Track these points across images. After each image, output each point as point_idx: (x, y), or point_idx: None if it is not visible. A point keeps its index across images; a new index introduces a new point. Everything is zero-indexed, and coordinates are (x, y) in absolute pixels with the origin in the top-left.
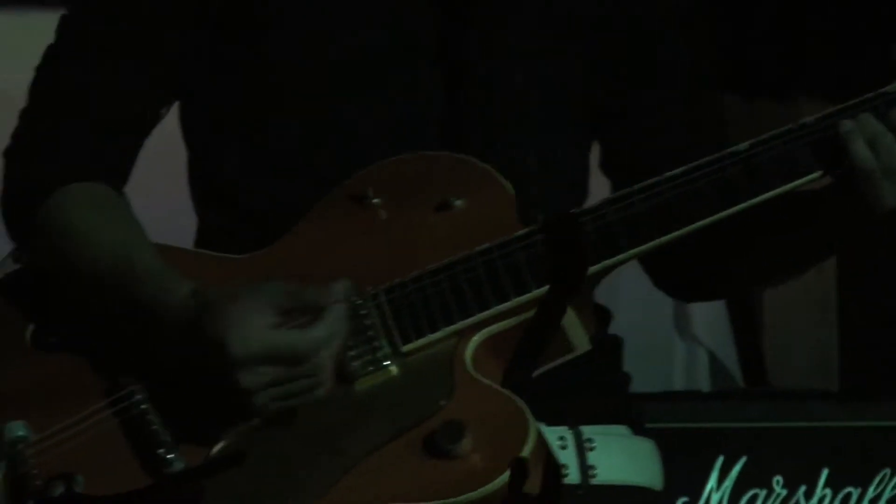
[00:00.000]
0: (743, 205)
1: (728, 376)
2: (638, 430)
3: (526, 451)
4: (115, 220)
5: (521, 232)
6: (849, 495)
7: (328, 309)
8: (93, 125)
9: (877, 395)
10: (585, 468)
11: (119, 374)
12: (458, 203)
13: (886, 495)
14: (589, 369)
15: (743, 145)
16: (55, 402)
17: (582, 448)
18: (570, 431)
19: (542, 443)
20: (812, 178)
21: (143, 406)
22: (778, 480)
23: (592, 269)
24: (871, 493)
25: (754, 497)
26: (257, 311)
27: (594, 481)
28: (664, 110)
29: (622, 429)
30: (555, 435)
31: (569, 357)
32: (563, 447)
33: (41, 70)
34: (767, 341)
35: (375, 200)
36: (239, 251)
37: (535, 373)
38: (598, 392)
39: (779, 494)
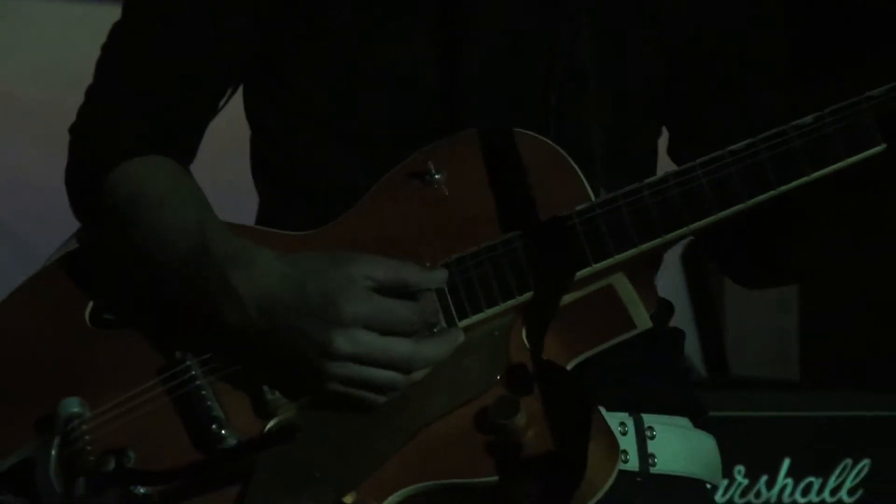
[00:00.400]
0: (806, 178)
1: (689, 366)
2: (698, 423)
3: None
4: (184, 190)
5: (582, 206)
6: (810, 485)
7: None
8: (159, 100)
9: (837, 385)
10: (646, 456)
11: (175, 349)
12: (525, 178)
13: (847, 485)
14: (652, 358)
15: (808, 118)
16: (111, 380)
17: (643, 435)
18: (631, 418)
19: (601, 423)
20: (877, 151)
21: (197, 382)
22: (739, 470)
23: (653, 242)
24: (832, 482)
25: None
26: (362, 276)
27: (654, 470)
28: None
29: (683, 420)
30: (616, 420)
31: (630, 334)
32: (624, 433)
33: (108, 46)
34: (728, 331)
35: (437, 176)
36: (299, 229)
37: (597, 349)
38: (662, 382)
39: (740, 484)
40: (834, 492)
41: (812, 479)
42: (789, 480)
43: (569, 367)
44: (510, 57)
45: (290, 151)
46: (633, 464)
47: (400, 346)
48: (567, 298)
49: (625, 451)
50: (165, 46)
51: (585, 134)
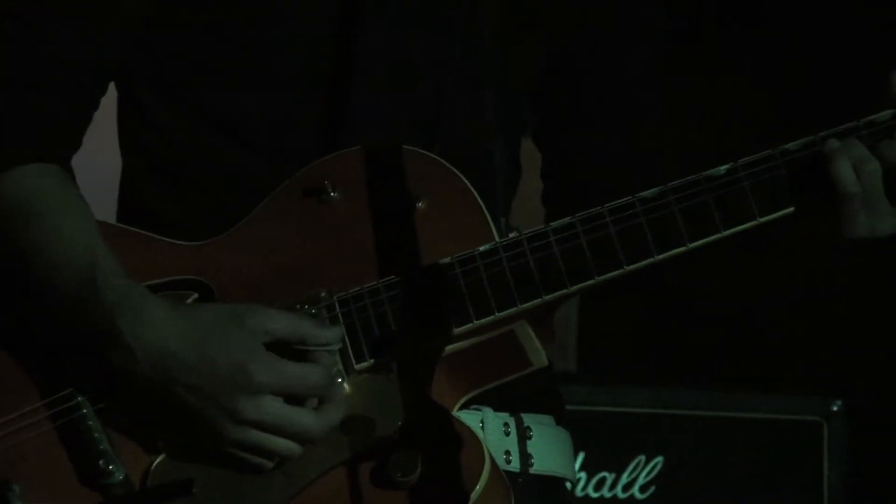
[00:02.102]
0: (718, 235)
1: None
2: (559, 419)
3: (479, 489)
4: (73, 213)
5: (485, 247)
6: (603, 480)
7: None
8: (46, 100)
9: (614, 378)
10: (526, 456)
11: (59, 374)
12: (422, 205)
13: (640, 481)
14: None
15: (721, 169)
16: None
17: (524, 436)
18: (513, 418)
19: (496, 474)
20: (788, 213)
21: (84, 411)
22: None
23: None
24: (625, 478)
25: None
26: (261, 331)
27: (532, 470)
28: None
29: (548, 418)
30: (500, 421)
31: (526, 372)
32: (507, 433)
33: None
34: None
35: (334, 194)
36: (163, 212)
37: (490, 386)
38: (532, 380)
39: None
40: (626, 487)
41: (605, 473)
42: (583, 474)
43: (460, 403)
44: (405, 63)
45: (160, 132)
46: (515, 465)
47: (304, 418)
48: (464, 344)
49: (508, 452)
50: (45, 44)
51: (486, 149)
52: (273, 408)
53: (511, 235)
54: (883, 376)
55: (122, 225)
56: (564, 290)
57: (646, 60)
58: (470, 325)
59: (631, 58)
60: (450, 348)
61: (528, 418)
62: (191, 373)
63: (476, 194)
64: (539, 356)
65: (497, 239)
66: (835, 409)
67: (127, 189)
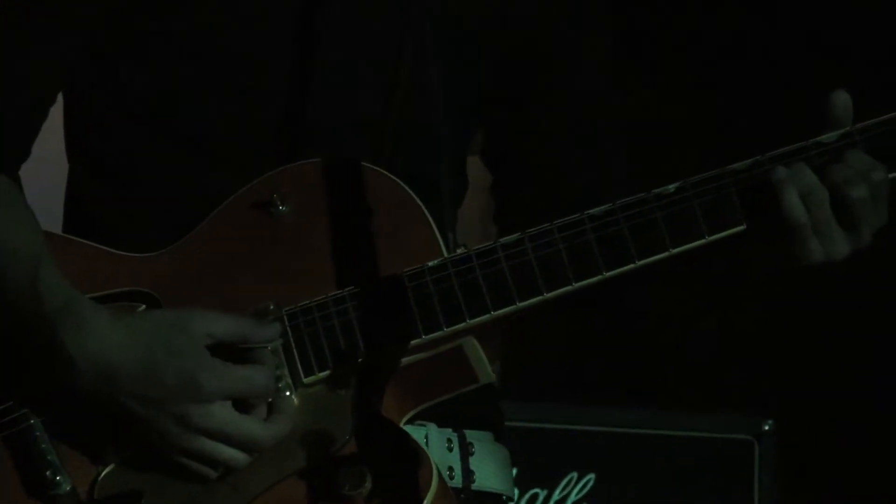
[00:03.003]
0: (667, 254)
1: None
2: (499, 436)
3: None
4: (17, 219)
5: (434, 262)
6: (535, 496)
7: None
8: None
9: (544, 395)
10: (468, 472)
11: (5, 388)
12: (371, 221)
13: (572, 498)
14: None
15: (670, 187)
16: None
17: (466, 451)
18: (456, 434)
19: (443, 489)
20: (739, 231)
21: (31, 421)
22: None
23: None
24: (556, 495)
25: None
26: (202, 334)
27: (474, 486)
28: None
29: (488, 435)
30: (444, 436)
31: (472, 388)
32: (451, 449)
33: None
34: None
35: (283, 208)
36: (109, 218)
37: (438, 401)
38: (473, 395)
39: None
40: None
41: (538, 490)
42: (515, 490)
43: (406, 418)
44: (359, 75)
45: (109, 140)
46: (457, 480)
47: (251, 426)
48: (412, 358)
49: (451, 468)
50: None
51: (434, 167)
52: (221, 414)
53: (459, 251)
54: (814, 396)
55: (68, 236)
56: (513, 307)
57: (593, 75)
58: (419, 339)
59: (578, 73)
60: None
61: (470, 434)
62: (136, 383)
63: (425, 210)
64: (486, 372)
65: (446, 254)
66: (766, 428)
67: (73, 197)
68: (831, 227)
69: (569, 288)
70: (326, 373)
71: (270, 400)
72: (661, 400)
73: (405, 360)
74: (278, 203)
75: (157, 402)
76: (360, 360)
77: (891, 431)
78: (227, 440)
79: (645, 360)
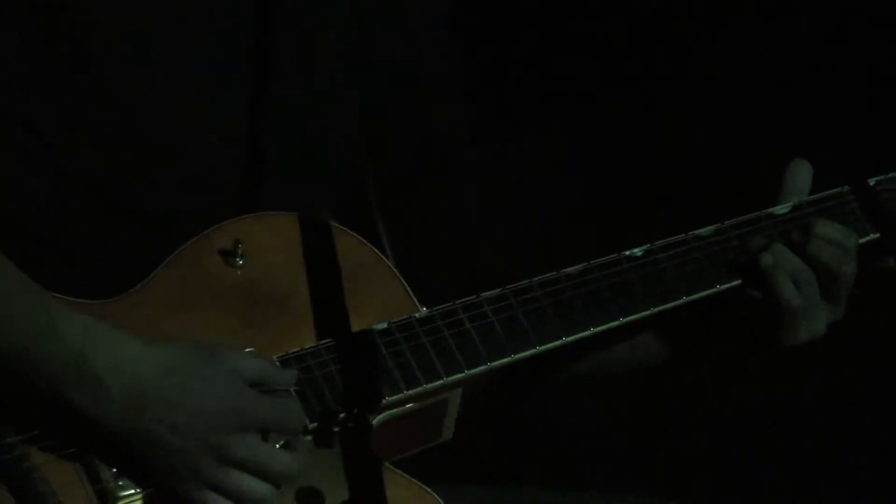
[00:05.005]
0: (648, 312)
1: None
2: None
3: None
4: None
5: (420, 314)
6: None
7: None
8: None
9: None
10: None
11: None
12: (338, 277)
13: None
14: None
15: (637, 250)
16: None
17: None
18: None
19: None
20: (728, 288)
21: (16, 452)
22: None
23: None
24: None
25: None
26: (232, 370)
27: None
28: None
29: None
30: None
31: (433, 444)
32: None
33: None
34: None
35: (240, 262)
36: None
37: (401, 457)
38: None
39: None
40: None
41: None
42: None
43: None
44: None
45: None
46: None
47: (285, 457)
48: (398, 411)
49: None
50: None
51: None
52: (260, 445)
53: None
54: (718, 476)
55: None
56: (484, 367)
57: (454, 120)
58: (400, 395)
59: (440, 117)
60: (380, 417)
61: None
62: (173, 411)
63: (391, 266)
64: (450, 428)
65: (419, 311)
66: None
67: None
68: (819, 306)
69: (533, 351)
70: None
71: (283, 441)
72: (568, 480)
73: (389, 414)
74: (239, 253)
75: (193, 432)
76: (343, 413)
77: None
78: (264, 471)
79: (553, 439)
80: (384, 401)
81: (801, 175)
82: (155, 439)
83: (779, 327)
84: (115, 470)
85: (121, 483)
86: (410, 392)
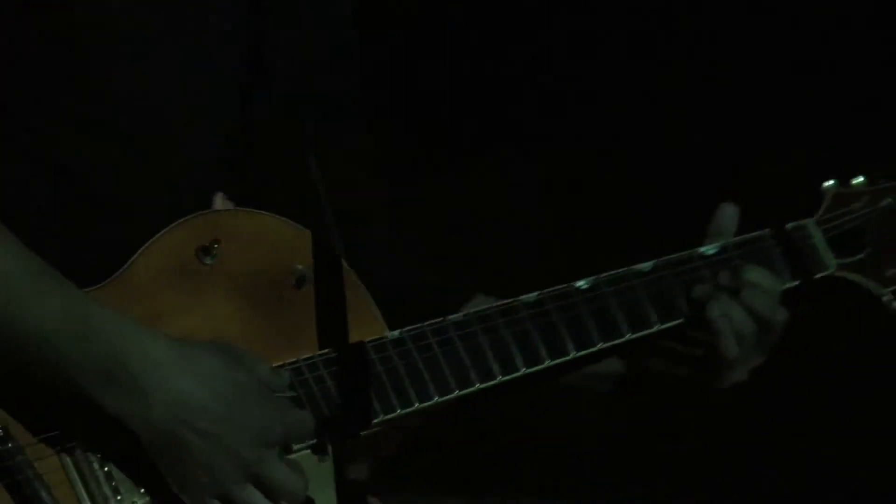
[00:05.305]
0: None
1: None
2: None
3: None
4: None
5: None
6: None
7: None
8: None
9: None
10: None
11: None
12: (307, 285)
13: None
14: None
15: (583, 283)
16: None
17: None
18: None
19: None
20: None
21: (18, 458)
22: None
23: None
24: None
25: None
26: (269, 390)
27: None
28: None
29: None
30: None
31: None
32: None
33: None
34: None
35: (209, 260)
36: None
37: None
38: None
39: None
40: None
41: None
42: None
43: None
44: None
45: None
46: None
47: (298, 481)
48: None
49: None
50: None
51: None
52: (279, 465)
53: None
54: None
55: None
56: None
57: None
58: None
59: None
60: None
61: None
62: (215, 422)
63: (363, 288)
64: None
65: (385, 330)
66: None
67: None
68: (751, 356)
69: (518, 373)
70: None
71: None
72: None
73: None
74: (213, 252)
75: (227, 442)
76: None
77: None
78: (278, 491)
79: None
80: (378, 419)
81: (727, 217)
82: (187, 447)
83: (707, 371)
84: (107, 469)
85: (113, 484)
86: (404, 412)
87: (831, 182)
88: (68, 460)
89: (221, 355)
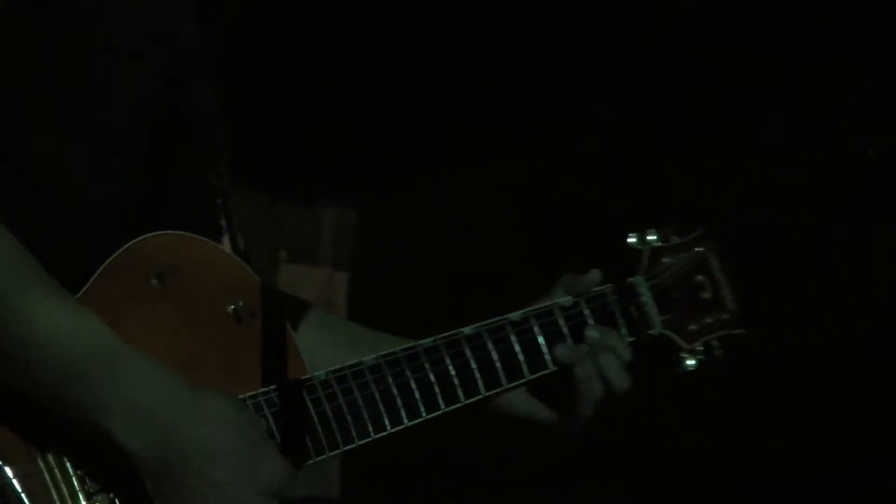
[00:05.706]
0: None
1: None
2: None
3: None
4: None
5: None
6: None
7: None
8: None
9: None
10: None
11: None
12: (250, 320)
13: None
14: None
15: (468, 330)
16: None
17: None
18: None
19: None
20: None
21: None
22: None
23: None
24: None
25: None
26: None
27: None
28: None
29: None
30: None
31: None
32: None
33: None
34: None
35: (154, 283)
36: None
37: None
38: None
39: None
40: None
41: None
42: None
43: None
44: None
45: None
46: None
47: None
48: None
49: None
50: None
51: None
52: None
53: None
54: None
55: None
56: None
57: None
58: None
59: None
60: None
61: None
62: (229, 473)
63: (290, 327)
64: None
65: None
66: None
67: None
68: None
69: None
70: None
71: None
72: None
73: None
74: (162, 279)
75: (241, 494)
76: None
77: None
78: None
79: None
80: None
81: (589, 282)
82: (196, 495)
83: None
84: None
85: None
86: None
87: (633, 238)
88: (42, 465)
89: (231, 402)
